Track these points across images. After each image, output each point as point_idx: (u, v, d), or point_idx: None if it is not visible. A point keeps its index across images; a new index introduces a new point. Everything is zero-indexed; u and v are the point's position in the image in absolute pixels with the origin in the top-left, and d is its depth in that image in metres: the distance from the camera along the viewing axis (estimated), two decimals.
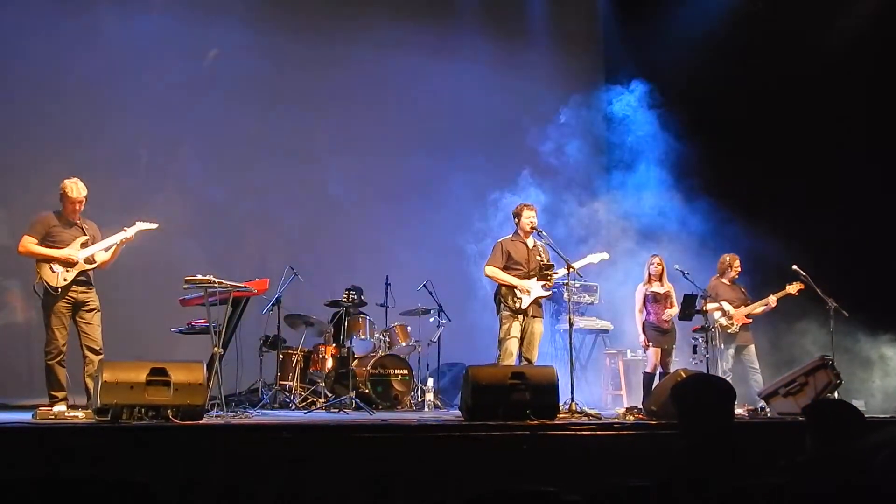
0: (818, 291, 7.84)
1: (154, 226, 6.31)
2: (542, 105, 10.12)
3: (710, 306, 7.97)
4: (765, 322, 8.36)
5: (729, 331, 8.02)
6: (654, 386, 7.61)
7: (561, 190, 9.75)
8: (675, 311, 7.80)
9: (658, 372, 7.76)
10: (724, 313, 8.04)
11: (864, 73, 8.60)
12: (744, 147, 9.35)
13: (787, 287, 7.94)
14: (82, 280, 5.98)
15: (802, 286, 7.91)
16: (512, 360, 6.73)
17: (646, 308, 7.92)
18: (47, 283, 5.82)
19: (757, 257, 8.54)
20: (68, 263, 5.87)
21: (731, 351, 8.07)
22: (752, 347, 8.10)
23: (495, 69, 10.52)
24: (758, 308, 8.08)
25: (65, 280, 5.86)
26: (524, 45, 10.77)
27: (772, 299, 8.01)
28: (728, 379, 7.83)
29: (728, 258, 8.30)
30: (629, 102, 9.95)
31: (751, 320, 8.11)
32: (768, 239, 8.50)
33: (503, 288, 6.93)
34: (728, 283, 8.25)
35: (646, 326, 7.88)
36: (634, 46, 10.58)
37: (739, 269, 8.26)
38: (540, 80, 10.58)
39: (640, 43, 10.51)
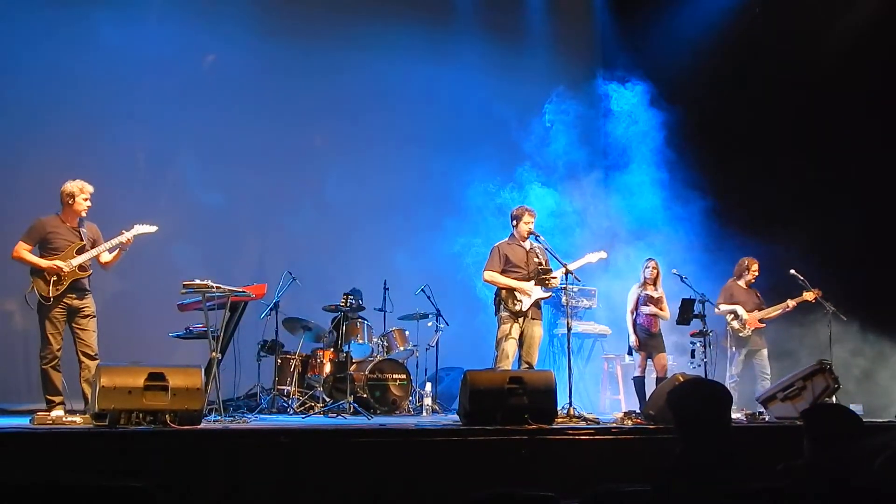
0: (804, 296, 7.88)
1: (153, 229, 6.29)
2: (540, 106, 10.12)
3: (723, 308, 7.97)
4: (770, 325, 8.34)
5: (741, 334, 8.01)
6: (645, 389, 7.63)
7: (560, 191, 9.76)
8: (653, 309, 7.77)
9: (655, 377, 7.76)
10: (737, 317, 8.02)
11: (864, 72, 8.59)
12: (744, 146, 9.35)
13: (805, 294, 7.92)
14: (77, 287, 5.96)
15: (820, 293, 7.89)
16: (509, 362, 6.71)
17: (637, 310, 7.90)
18: (39, 292, 5.82)
19: (757, 260, 8.51)
20: (56, 275, 5.85)
21: (742, 356, 8.04)
22: (765, 352, 8.07)
23: (493, 71, 10.50)
24: (775, 311, 8.07)
25: (57, 290, 5.84)
26: (521, 46, 10.74)
27: (791, 303, 8.00)
28: (734, 383, 7.84)
29: (746, 261, 8.27)
30: (628, 100, 9.96)
31: (764, 325, 8.09)
32: (770, 241, 8.50)
33: (503, 290, 6.91)
34: (744, 286, 8.23)
35: (636, 328, 7.87)
36: (633, 45, 10.57)
37: (757, 272, 8.22)
38: (537, 81, 10.54)
39: (638, 41, 10.50)
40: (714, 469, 2.76)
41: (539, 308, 6.99)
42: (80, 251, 6.00)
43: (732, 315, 8.04)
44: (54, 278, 5.83)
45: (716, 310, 8.07)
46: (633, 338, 7.85)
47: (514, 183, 9.63)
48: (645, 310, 7.76)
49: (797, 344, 8.31)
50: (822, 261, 8.17)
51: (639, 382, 7.79)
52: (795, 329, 8.32)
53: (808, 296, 7.92)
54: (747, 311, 8.05)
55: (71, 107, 8.35)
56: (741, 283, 8.25)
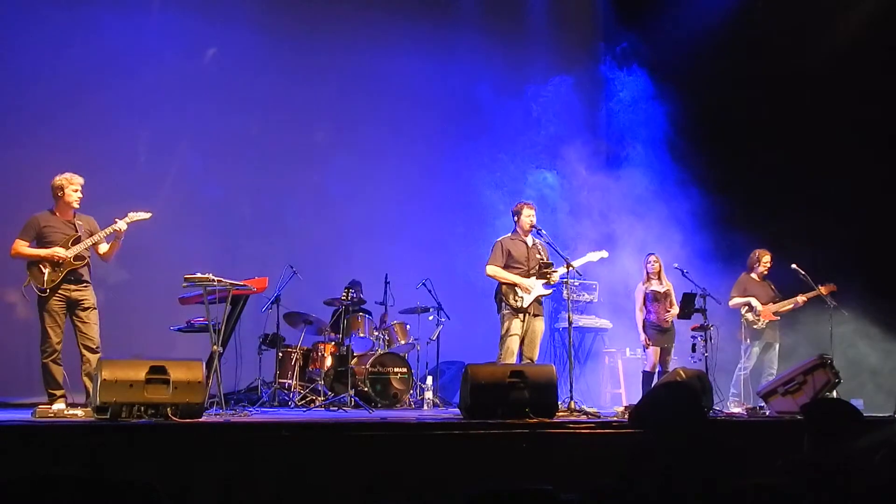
0: (818, 290, 7.85)
1: (147, 215, 6.24)
2: (540, 93, 10.13)
3: (736, 301, 7.96)
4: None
5: (755, 327, 7.99)
6: (653, 385, 7.63)
7: (560, 178, 9.75)
8: (670, 316, 7.79)
9: (657, 370, 7.76)
10: (751, 309, 8.00)
11: (866, 68, 8.56)
12: (746, 137, 9.32)
13: (820, 288, 7.86)
14: (74, 279, 5.96)
15: (834, 288, 7.85)
16: (513, 359, 6.73)
17: (646, 307, 7.91)
18: (35, 284, 5.83)
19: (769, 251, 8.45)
20: (55, 263, 5.85)
21: (757, 348, 8.02)
22: (777, 346, 8.06)
23: (493, 60, 10.45)
24: (787, 306, 8.05)
25: (52, 281, 5.84)
26: (520, 33, 10.69)
27: (800, 298, 7.96)
28: (744, 374, 7.83)
29: (757, 253, 8.23)
30: (629, 87, 9.94)
31: (778, 318, 8.07)
32: (772, 234, 8.47)
33: (504, 286, 6.92)
34: (757, 278, 8.20)
35: (646, 325, 7.87)
36: (635, 36, 10.53)
37: (769, 264, 8.17)
38: (537, 68, 10.51)
39: (641, 32, 10.45)
40: (699, 463, 2.74)
41: (540, 304, 7.01)
42: (76, 243, 5.99)
43: (746, 307, 8.02)
44: (49, 269, 5.83)
45: (730, 303, 8.08)
46: (642, 336, 7.87)
47: (515, 172, 9.61)
48: (671, 313, 7.77)
49: (803, 339, 8.27)
50: (823, 254, 8.15)
51: (647, 377, 7.79)
52: (804, 322, 8.28)
53: (823, 290, 7.86)
54: (762, 304, 8.03)
55: (71, 99, 8.34)
56: (754, 275, 8.21)
